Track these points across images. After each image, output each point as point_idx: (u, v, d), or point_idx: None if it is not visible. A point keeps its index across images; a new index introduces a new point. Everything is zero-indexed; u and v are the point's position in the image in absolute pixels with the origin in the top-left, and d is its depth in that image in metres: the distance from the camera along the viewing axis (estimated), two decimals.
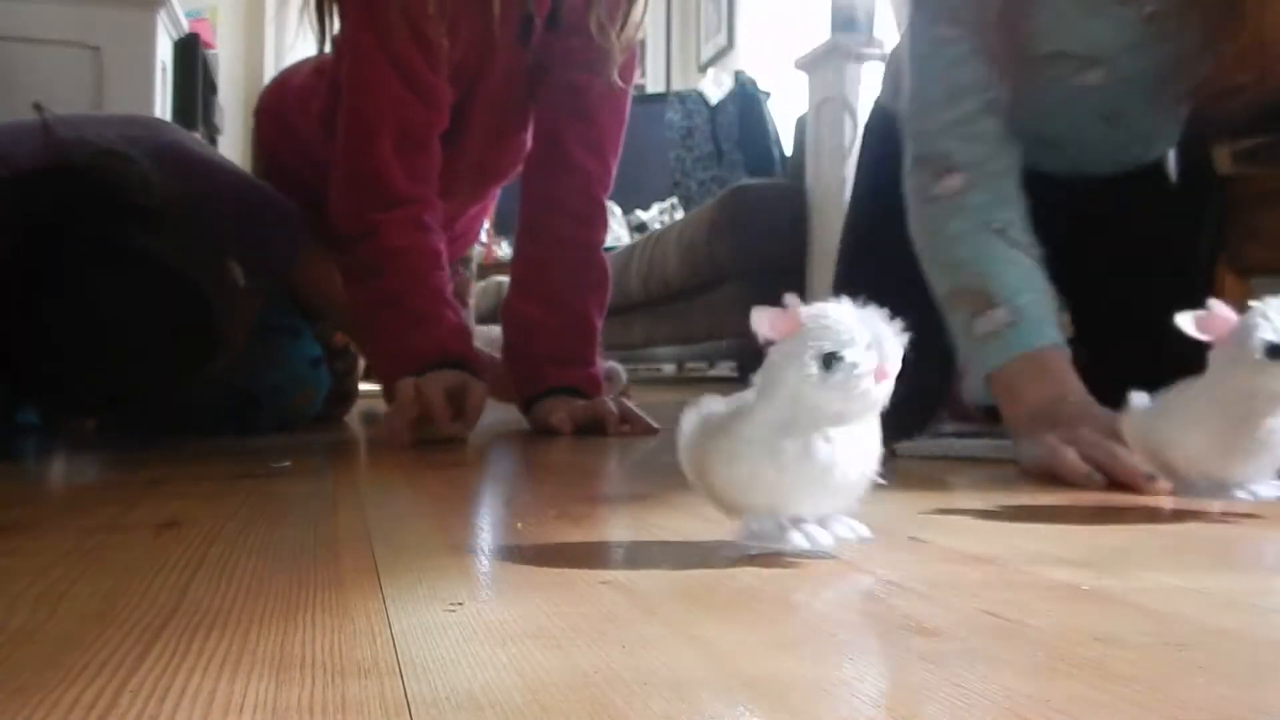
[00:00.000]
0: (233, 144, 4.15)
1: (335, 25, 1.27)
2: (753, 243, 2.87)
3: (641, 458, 1.07)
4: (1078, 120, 1.06)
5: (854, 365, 0.44)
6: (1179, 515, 0.66)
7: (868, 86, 2.75)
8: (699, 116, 3.95)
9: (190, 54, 3.07)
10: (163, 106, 2.80)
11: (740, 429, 0.47)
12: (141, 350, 1.02)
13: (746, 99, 3.72)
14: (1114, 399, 0.72)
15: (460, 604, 0.41)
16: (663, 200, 4.46)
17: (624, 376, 1.66)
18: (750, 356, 2.89)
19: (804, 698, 0.30)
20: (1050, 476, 0.78)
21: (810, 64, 2.89)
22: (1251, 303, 0.60)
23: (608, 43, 1.27)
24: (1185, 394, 0.64)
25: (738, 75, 3.98)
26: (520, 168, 1.42)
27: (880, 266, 1.01)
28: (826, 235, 2.80)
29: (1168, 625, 0.38)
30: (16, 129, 1.15)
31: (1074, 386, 0.85)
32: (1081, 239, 1.11)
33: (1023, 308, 0.88)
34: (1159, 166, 1.17)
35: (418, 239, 1.21)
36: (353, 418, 1.62)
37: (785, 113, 3.56)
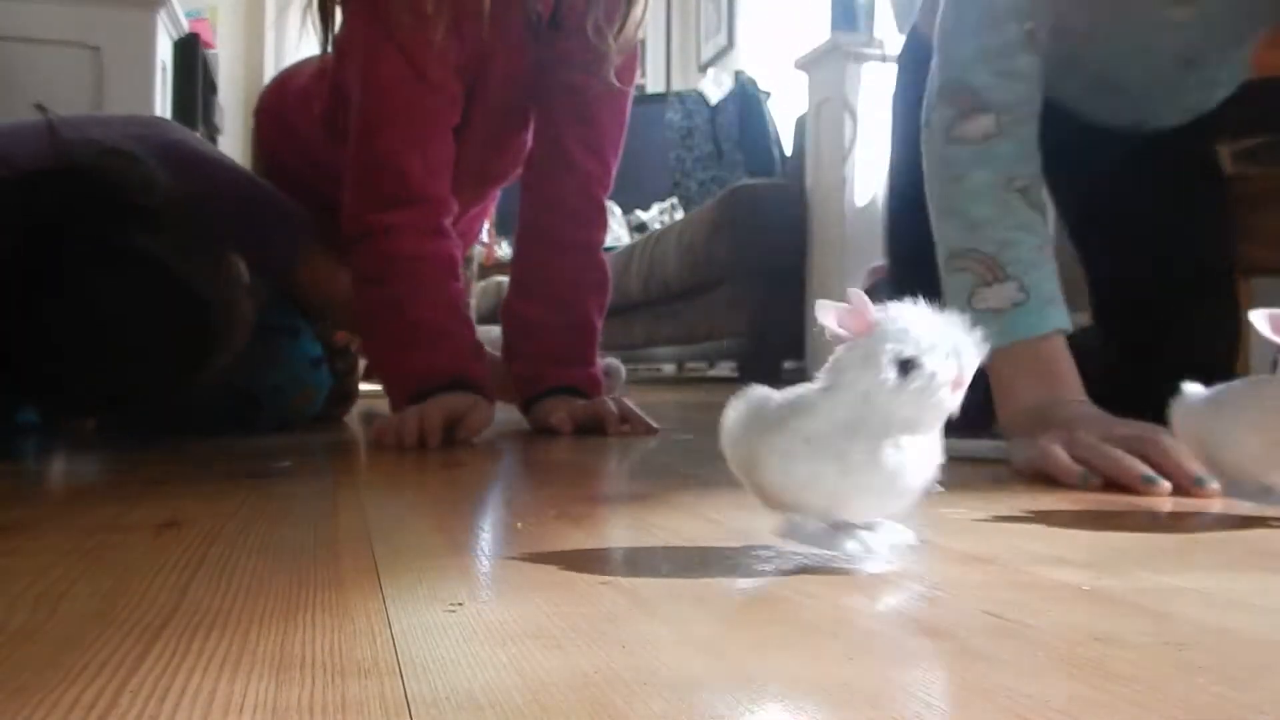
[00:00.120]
0: (233, 144, 4.15)
1: (338, 24, 1.27)
2: (752, 243, 2.88)
3: (642, 458, 1.07)
4: (1154, 63, 1.02)
5: (933, 374, 0.43)
6: (1183, 517, 0.66)
7: (867, 87, 2.75)
8: (699, 116, 3.96)
9: (190, 54, 3.07)
10: (163, 106, 2.80)
11: (802, 426, 0.45)
12: (141, 350, 1.02)
13: (746, 99, 3.73)
14: (1128, 381, 0.72)
15: (460, 604, 0.41)
16: (663, 200, 4.47)
17: (623, 374, 1.66)
18: (750, 356, 2.92)
19: (805, 698, 0.30)
20: (1044, 478, 0.78)
21: (810, 64, 2.89)
22: None
23: (605, 44, 1.27)
24: (1246, 394, 0.61)
25: (738, 75, 3.98)
26: (521, 169, 1.42)
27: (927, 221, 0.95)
28: (826, 235, 2.80)
29: (1168, 625, 0.38)
30: (18, 129, 1.15)
31: (1071, 384, 0.84)
32: (1117, 203, 1.09)
33: (1032, 286, 0.85)
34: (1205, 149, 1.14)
35: (433, 245, 1.21)
36: (353, 418, 1.62)
37: (785, 113, 3.57)
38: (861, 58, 2.76)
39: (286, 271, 1.31)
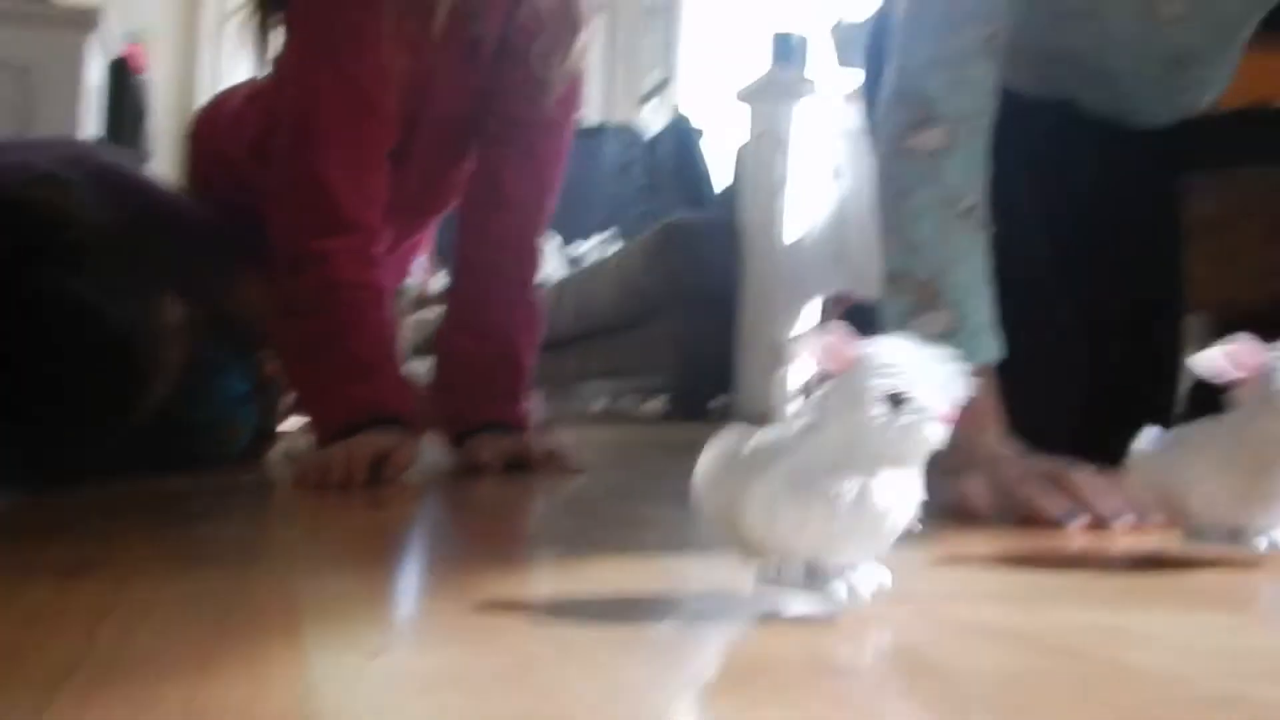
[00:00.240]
0: (164, 169, 4.08)
1: (275, 43, 1.25)
2: (686, 276, 2.89)
3: (568, 498, 1.07)
4: (1146, 59, 1.02)
5: (924, 408, 0.42)
6: (1100, 554, 0.68)
7: (801, 122, 2.79)
8: (635, 150, 3.99)
9: (122, 78, 3.03)
10: (92, 130, 2.75)
11: (785, 468, 0.44)
12: (56, 394, 0.99)
13: (681, 134, 3.77)
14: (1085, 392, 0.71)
15: (380, 652, 0.40)
16: (603, 231, 4.48)
17: (543, 412, 1.65)
18: (681, 390, 2.92)
19: None
20: (964, 516, 0.78)
21: (750, 96, 2.92)
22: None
23: (549, 73, 1.27)
24: (1202, 435, 0.61)
25: (674, 110, 4.02)
26: (458, 200, 1.41)
27: None
28: (760, 269, 2.82)
29: (1080, 663, 0.39)
30: None
31: (992, 421, 0.84)
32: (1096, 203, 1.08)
33: (965, 315, 0.84)
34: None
35: (365, 275, 1.18)
36: (276, 455, 1.59)
37: (721, 148, 3.60)
38: (797, 93, 2.79)
39: (226, 295, 1.28)
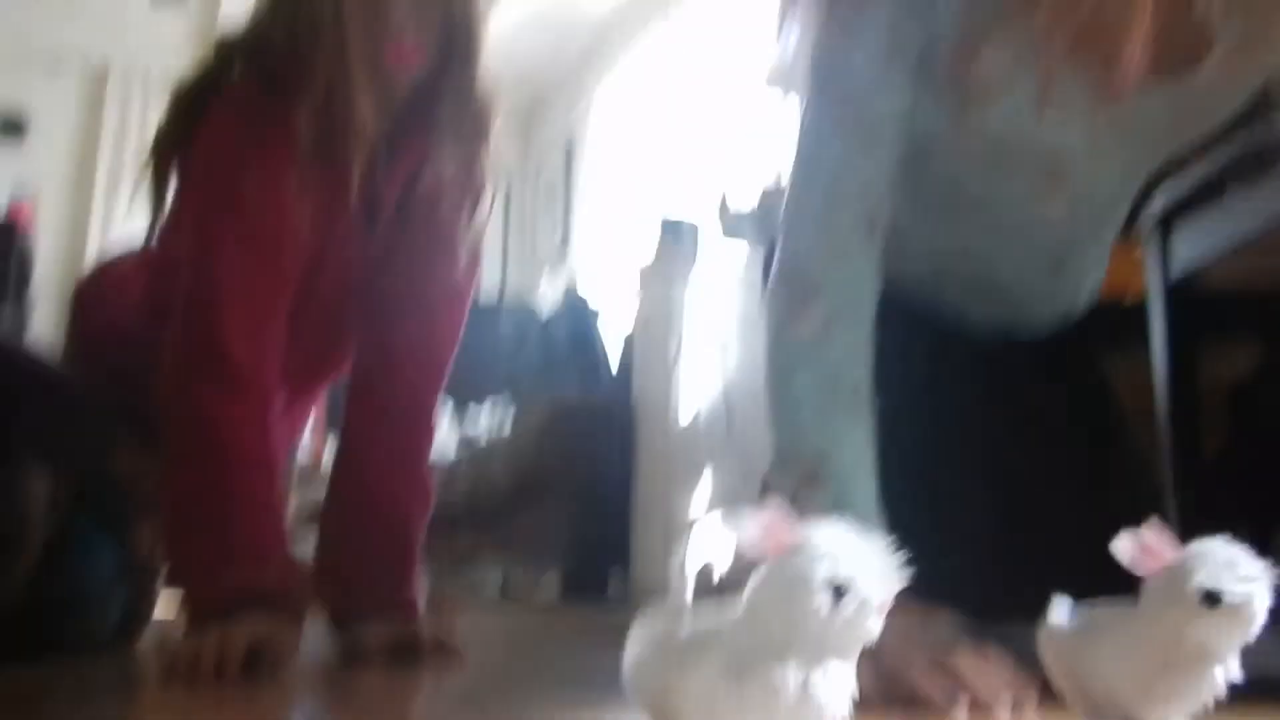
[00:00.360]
0: (45, 330, 3.97)
1: (169, 196, 1.24)
2: (579, 455, 2.90)
3: (458, 691, 1.03)
4: (1028, 264, 1.07)
5: (868, 600, 0.41)
6: None
7: (691, 304, 2.87)
8: (530, 329, 4.05)
9: (4, 240, 2.98)
10: None
11: (722, 658, 0.42)
12: None
13: (577, 316, 3.84)
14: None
15: None
16: (497, 394, 4.46)
17: (435, 592, 1.61)
18: (578, 571, 2.88)
19: None
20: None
21: (641, 279, 2.99)
22: (1192, 546, 0.58)
23: (454, 237, 1.27)
24: (1112, 621, 0.61)
25: (571, 286, 4.10)
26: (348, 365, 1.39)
27: None
28: (652, 449, 2.85)
29: None
30: None
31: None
32: (997, 408, 1.10)
33: (843, 498, 0.84)
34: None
35: (259, 448, 1.14)
36: (148, 641, 1.50)
37: (617, 325, 3.68)
38: (687, 280, 2.88)
39: (101, 465, 1.23)
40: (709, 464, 2.78)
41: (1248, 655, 0.59)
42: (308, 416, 1.65)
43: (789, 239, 0.93)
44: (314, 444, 3.37)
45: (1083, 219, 1.07)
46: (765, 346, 0.93)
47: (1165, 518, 0.62)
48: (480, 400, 4.40)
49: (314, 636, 1.25)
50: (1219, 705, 0.60)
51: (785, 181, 0.98)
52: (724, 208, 3.12)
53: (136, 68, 5.38)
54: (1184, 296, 1.18)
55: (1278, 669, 0.66)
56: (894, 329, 0.93)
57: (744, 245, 2.93)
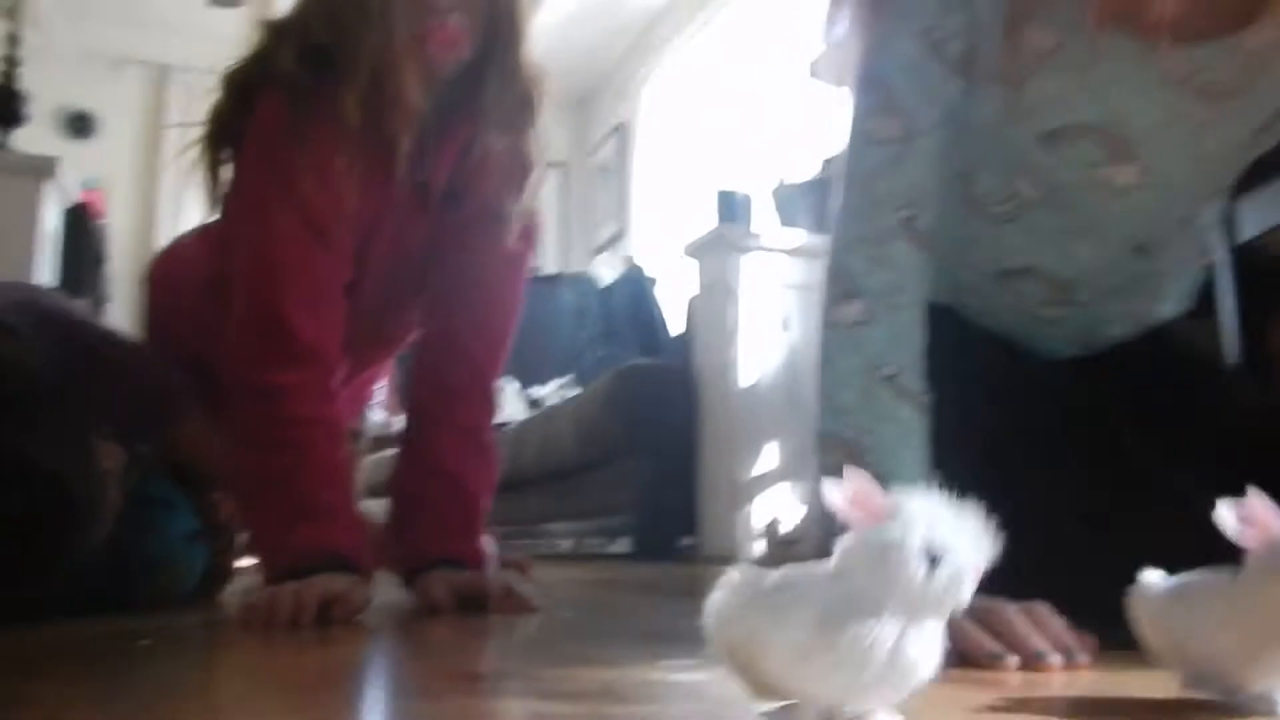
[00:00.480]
0: (122, 312, 4.08)
1: (225, 178, 1.26)
2: (644, 420, 2.91)
3: (527, 637, 1.05)
4: (1104, 247, 1.05)
5: (962, 567, 0.42)
6: (1028, 698, 0.67)
7: (749, 275, 2.87)
8: (590, 298, 4.06)
9: (79, 224, 3.06)
10: (48, 274, 2.77)
11: (815, 611, 0.43)
12: None
13: (635, 283, 3.85)
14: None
15: None
16: (561, 376, 4.51)
17: (503, 556, 1.63)
18: (644, 532, 2.90)
19: None
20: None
21: (698, 250, 3.01)
22: None
23: (504, 209, 1.29)
24: (1213, 588, 0.59)
25: (628, 260, 4.11)
26: (413, 337, 1.42)
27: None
28: (714, 413, 2.85)
29: None
30: None
31: None
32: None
33: (885, 475, 0.80)
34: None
35: (321, 411, 1.17)
36: (229, 594, 1.54)
37: (676, 295, 3.69)
38: (744, 249, 2.89)
39: (170, 440, 1.27)
40: (772, 429, 2.78)
41: None
42: (375, 383, 1.68)
43: (835, 236, 0.95)
44: (386, 415, 3.41)
45: (1161, 196, 1.02)
46: (820, 331, 0.94)
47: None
48: (544, 381, 4.44)
49: (386, 592, 1.28)
50: None
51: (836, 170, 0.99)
52: (779, 187, 3.12)
53: (195, 65, 5.49)
54: (1252, 262, 1.15)
55: None
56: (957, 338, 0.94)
57: (798, 220, 2.94)
